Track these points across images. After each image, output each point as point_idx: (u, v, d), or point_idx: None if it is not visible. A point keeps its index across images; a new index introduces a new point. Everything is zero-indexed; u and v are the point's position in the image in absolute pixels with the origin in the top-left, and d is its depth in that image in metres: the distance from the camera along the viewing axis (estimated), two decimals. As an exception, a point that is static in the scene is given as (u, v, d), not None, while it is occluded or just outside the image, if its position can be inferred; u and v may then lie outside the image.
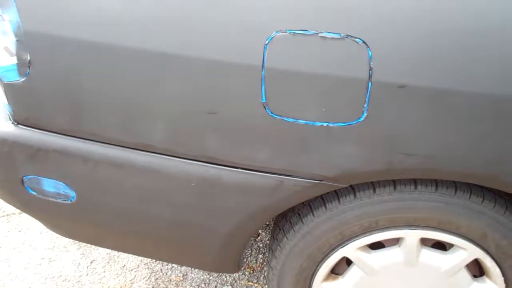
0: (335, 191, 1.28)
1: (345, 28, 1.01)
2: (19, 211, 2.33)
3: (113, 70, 1.13)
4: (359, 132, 1.08)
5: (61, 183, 1.33)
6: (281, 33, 1.02)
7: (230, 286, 2.03)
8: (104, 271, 2.10)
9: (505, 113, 1.03)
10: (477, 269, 1.42)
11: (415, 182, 1.23)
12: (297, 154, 1.13)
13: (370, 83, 1.03)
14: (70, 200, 1.36)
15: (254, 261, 2.16)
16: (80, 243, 2.22)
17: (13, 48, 1.17)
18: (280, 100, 1.08)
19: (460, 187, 1.22)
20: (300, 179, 1.17)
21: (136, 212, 1.34)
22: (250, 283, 2.05)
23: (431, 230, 1.29)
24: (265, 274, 2.07)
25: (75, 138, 1.25)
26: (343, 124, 1.08)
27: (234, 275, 2.08)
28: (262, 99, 1.08)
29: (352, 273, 1.41)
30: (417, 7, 0.99)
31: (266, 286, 2.02)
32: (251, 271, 2.11)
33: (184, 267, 2.11)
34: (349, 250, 1.35)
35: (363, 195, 1.26)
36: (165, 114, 1.15)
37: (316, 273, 1.41)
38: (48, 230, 2.19)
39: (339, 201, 1.28)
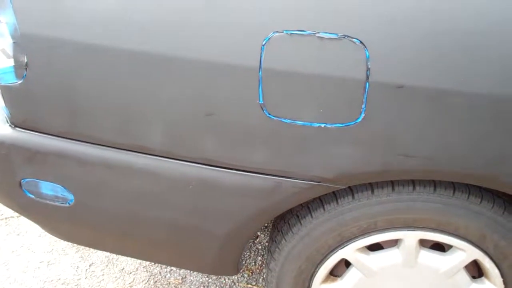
0: (333, 192, 1.28)
1: (342, 29, 1.01)
2: (17, 214, 2.33)
3: (110, 72, 1.13)
4: (357, 133, 1.08)
5: (59, 186, 1.33)
6: (278, 34, 1.02)
7: (229, 289, 2.02)
8: (103, 274, 2.09)
9: (505, 113, 1.02)
10: (476, 270, 1.41)
11: (413, 183, 1.23)
12: (295, 156, 1.13)
13: (367, 83, 1.02)
14: (68, 203, 1.36)
15: (253, 263, 2.16)
16: (79, 246, 2.22)
17: (10, 50, 1.16)
18: (277, 101, 1.08)
19: (458, 188, 1.22)
20: (298, 181, 1.17)
21: (134, 214, 1.34)
22: (249, 285, 2.04)
23: (430, 231, 1.29)
24: (264, 276, 2.06)
25: (73, 141, 1.25)
26: (341, 125, 1.07)
27: (233, 277, 2.07)
28: (259, 100, 1.08)
29: (351, 274, 1.41)
30: (415, 7, 0.99)
31: (265, 288, 2.02)
32: (250, 273, 2.10)
33: (183, 270, 2.10)
34: (348, 251, 1.35)
35: (361, 196, 1.25)
36: (162, 116, 1.15)
37: (315, 275, 1.41)
38: (46, 233, 2.19)
39: (337, 203, 1.27)
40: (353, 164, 1.12)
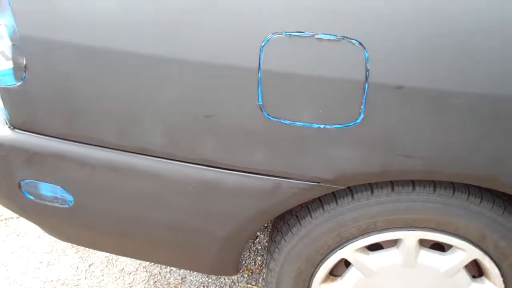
0: (332, 192, 1.28)
1: (341, 30, 1.00)
2: (17, 215, 2.33)
3: (109, 74, 1.13)
4: (356, 134, 1.08)
5: (58, 187, 1.33)
6: (277, 35, 1.02)
7: (229, 289, 2.03)
8: (102, 275, 2.09)
9: (505, 114, 1.02)
10: (476, 270, 1.42)
11: (413, 183, 1.23)
12: (295, 156, 1.13)
13: (366, 84, 1.02)
14: (68, 204, 1.36)
15: (253, 263, 2.16)
16: (78, 246, 2.22)
17: (9, 53, 1.16)
18: (276, 102, 1.07)
19: (458, 188, 1.22)
20: (298, 181, 1.17)
21: (133, 215, 1.34)
22: (249, 286, 2.04)
23: (430, 231, 1.29)
24: (264, 276, 2.07)
25: (72, 142, 1.25)
26: (340, 126, 1.07)
27: (233, 277, 2.07)
28: (258, 102, 1.08)
29: (350, 274, 1.41)
30: (414, 8, 0.99)
31: (265, 288, 2.02)
32: (250, 274, 2.11)
33: (182, 270, 2.10)
34: (348, 251, 1.35)
35: (361, 196, 1.25)
36: (161, 117, 1.15)
37: (315, 275, 1.41)
38: (46, 234, 2.18)
39: (337, 203, 1.27)
40: (352, 165, 1.12)
